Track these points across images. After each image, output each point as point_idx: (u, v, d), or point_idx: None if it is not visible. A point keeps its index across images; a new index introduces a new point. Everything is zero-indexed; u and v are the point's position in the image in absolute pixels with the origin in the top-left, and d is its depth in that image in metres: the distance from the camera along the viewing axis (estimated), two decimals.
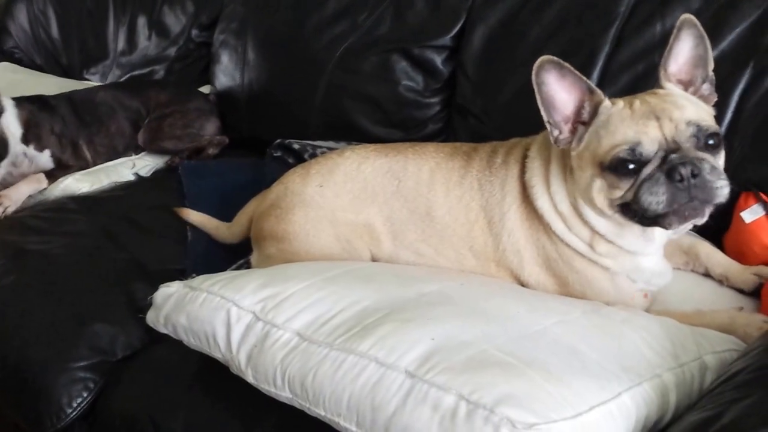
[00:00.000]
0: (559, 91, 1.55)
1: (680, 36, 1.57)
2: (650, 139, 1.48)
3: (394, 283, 1.54)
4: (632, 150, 1.49)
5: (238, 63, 3.10)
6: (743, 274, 1.89)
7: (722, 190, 1.50)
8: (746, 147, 1.94)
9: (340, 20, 2.88)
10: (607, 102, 1.58)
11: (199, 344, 1.47)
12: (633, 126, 1.51)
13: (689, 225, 1.61)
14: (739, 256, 1.98)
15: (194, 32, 3.59)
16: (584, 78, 1.55)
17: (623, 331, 1.52)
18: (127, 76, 3.81)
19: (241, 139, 3.13)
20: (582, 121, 1.64)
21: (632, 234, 1.69)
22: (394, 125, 2.78)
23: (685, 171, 1.47)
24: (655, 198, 1.52)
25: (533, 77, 1.56)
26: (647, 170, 1.52)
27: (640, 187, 1.53)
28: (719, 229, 2.05)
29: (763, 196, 1.95)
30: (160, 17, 3.73)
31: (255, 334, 1.36)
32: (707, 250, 1.95)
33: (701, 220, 1.58)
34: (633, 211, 1.52)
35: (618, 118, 1.54)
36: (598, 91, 1.57)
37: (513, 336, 1.35)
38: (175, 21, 3.68)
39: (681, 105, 1.52)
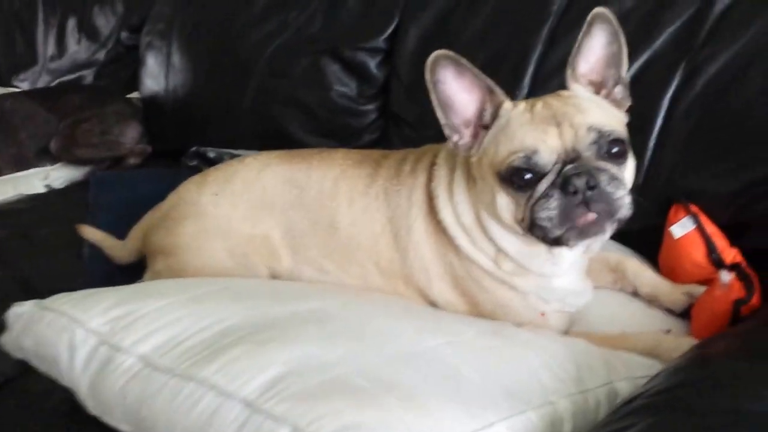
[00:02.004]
0: (457, 90, 1.50)
1: (591, 32, 1.51)
2: (548, 147, 1.44)
3: (268, 301, 1.48)
4: (528, 158, 1.44)
5: (162, 66, 3.06)
6: (673, 293, 1.84)
7: (622, 201, 1.44)
8: (677, 155, 1.91)
9: (269, 18, 2.85)
10: (508, 103, 1.54)
11: (47, 370, 1.40)
12: (531, 132, 1.46)
13: (594, 242, 1.54)
14: (671, 273, 1.93)
15: (123, 34, 3.54)
16: (484, 76, 1.50)
17: (521, 354, 1.46)
18: (56, 82, 3.74)
19: (168, 149, 3.05)
20: (484, 124, 1.59)
21: (539, 254, 1.64)
22: (328, 134, 2.74)
23: (579, 182, 1.41)
24: (547, 213, 1.46)
25: (427, 74, 1.48)
26: (544, 183, 1.45)
27: (535, 202, 1.47)
28: (655, 244, 2.00)
29: (694, 209, 1.89)
30: (90, 19, 3.68)
31: (98, 359, 1.30)
32: (635, 267, 1.90)
33: (603, 236, 1.53)
34: (536, 229, 1.45)
35: (517, 122, 1.49)
36: (499, 91, 1.52)
37: (385, 358, 1.29)
38: (104, 23, 3.64)
39: (584, 108, 1.48)
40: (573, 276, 1.68)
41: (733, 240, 1.86)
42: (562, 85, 1.62)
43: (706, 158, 1.88)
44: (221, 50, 2.89)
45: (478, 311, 1.72)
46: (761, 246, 1.82)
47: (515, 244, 1.61)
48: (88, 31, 3.65)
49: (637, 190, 1.90)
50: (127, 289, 1.51)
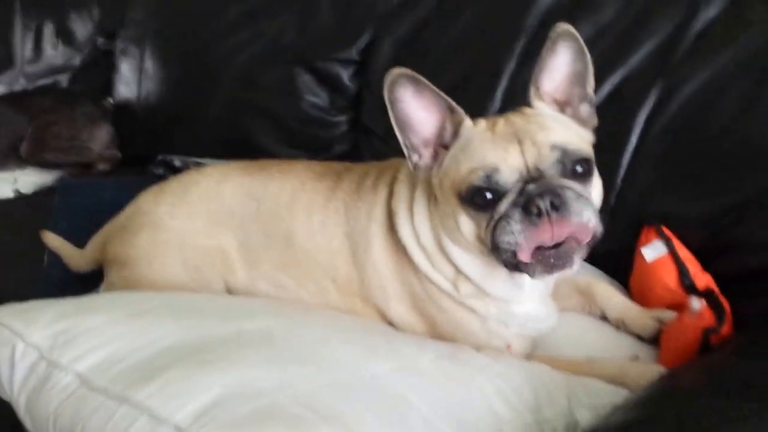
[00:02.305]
0: (416, 109, 1.43)
1: (555, 49, 1.44)
2: (509, 165, 1.36)
3: (213, 319, 1.39)
4: (488, 177, 1.36)
5: (135, 72, 2.99)
6: (642, 318, 1.75)
7: (589, 223, 1.34)
8: (650, 176, 1.84)
9: (242, 26, 2.78)
10: (468, 122, 1.46)
11: None
12: (492, 150, 1.38)
13: (562, 273, 1.45)
14: (642, 297, 1.85)
15: (99, 40, 3.46)
16: (444, 95, 1.43)
17: (476, 381, 1.39)
18: (32, 86, 3.65)
19: (139, 156, 2.97)
20: (444, 144, 1.50)
21: (500, 279, 1.56)
22: (298, 145, 2.67)
23: (543, 203, 1.32)
24: (510, 237, 1.35)
25: (385, 93, 1.40)
26: (504, 204, 1.36)
27: (496, 224, 1.38)
28: (626, 267, 1.92)
29: (666, 231, 1.82)
30: (67, 24, 3.59)
31: (37, 376, 1.22)
32: (604, 291, 1.82)
33: (571, 268, 1.41)
34: (498, 252, 1.37)
35: (478, 140, 1.42)
36: (459, 110, 1.45)
37: (326, 384, 1.20)
38: (81, 28, 3.55)
39: (548, 127, 1.40)
40: (536, 301, 1.59)
41: (706, 265, 1.78)
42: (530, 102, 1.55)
43: (679, 180, 1.81)
44: (193, 58, 2.83)
45: (437, 333, 1.64)
46: (734, 272, 1.74)
47: (476, 266, 1.54)
48: (64, 35, 3.56)
49: (608, 211, 1.86)
50: (73, 301, 1.41)
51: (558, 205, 1.32)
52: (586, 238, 1.39)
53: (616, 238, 1.89)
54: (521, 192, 1.36)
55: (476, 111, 2.19)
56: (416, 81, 1.41)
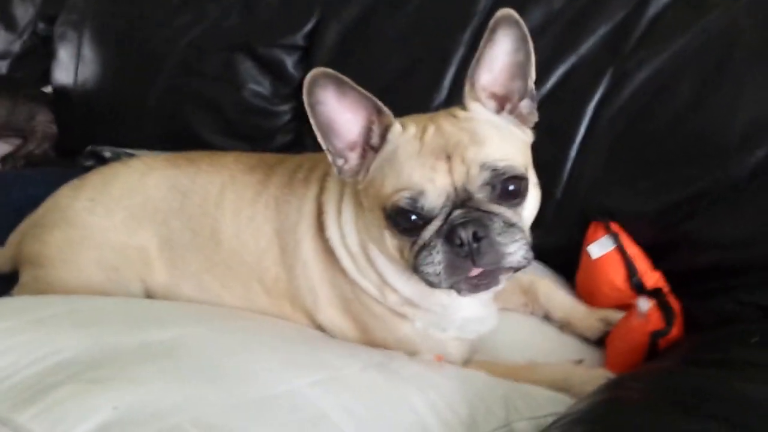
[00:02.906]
0: (339, 112, 1.30)
1: (495, 38, 1.30)
2: (436, 188, 1.25)
3: (117, 328, 1.25)
4: (414, 201, 1.25)
5: (73, 58, 2.82)
6: (587, 319, 1.66)
7: (515, 255, 1.25)
8: (598, 169, 1.76)
9: (183, 11, 2.60)
10: (397, 127, 1.32)
11: None
12: (419, 168, 1.26)
13: (487, 293, 1.37)
14: (589, 296, 1.75)
15: (40, 25, 3.26)
16: (370, 95, 1.30)
17: (406, 393, 1.27)
18: None
19: (76, 146, 2.78)
20: (372, 146, 1.35)
21: (430, 293, 1.42)
22: (239, 136, 2.51)
23: (465, 234, 1.22)
24: (432, 268, 1.26)
25: (305, 96, 1.28)
26: (429, 230, 1.26)
27: (419, 251, 1.27)
28: (573, 263, 1.81)
29: (614, 227, 1.70)
30: (9, 8, 3.39)
31: None
32: (548, 289, 1.72)
33: (497, 287, 1.33)
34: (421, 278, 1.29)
35: (405, 153, 1.29)
36: (387, 112, 1.32)
37: (236, 403, 1.07)
38: (23, 12, 3.36)
39: (481, 138, 1.28)
40: (474, 305, 1.48)
41: (656, 262, 1.69)
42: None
43: (629, 173, 1.71)
44: (132, 43, 2.66)
45: (369, 338, 1.51)
46: (685, 270, 1.64)
47: (402, 280, 1.43)
48: (6, 20, 3.37)
49: (555, 205, 1.73)
50: None
51: (481, 237, 1.22)
52: (512, 269, 1.29)
53: (562, 233, 1.80)
54: (446, 218, 1.25)
55: (423, 98, 2.13)
56: (338, 81, 1.27)
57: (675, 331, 1.49)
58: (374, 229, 1.38)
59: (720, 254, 1.57)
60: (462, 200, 1.24)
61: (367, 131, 1.34)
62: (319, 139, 1.33)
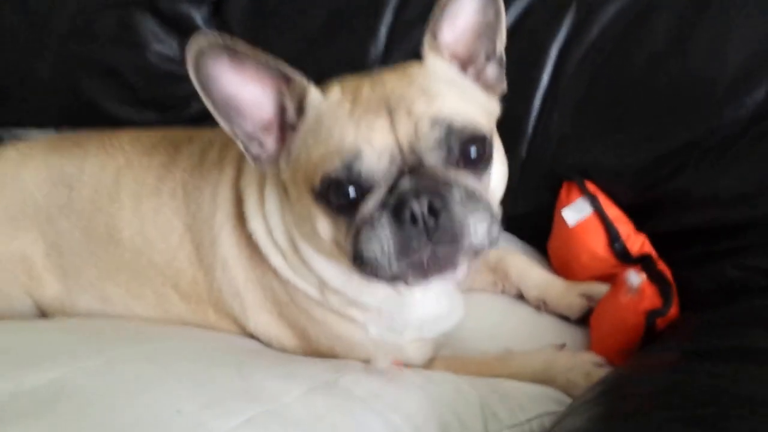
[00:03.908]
0: (239, 86, 1.06)
1: None
2: (375, 147, 1.02)
3: None
4: (347, 166, 1.02)
5: None
6: (566, 296, 1.45)
7: (479, 230, 1.01)
8: (567, 122, 1.53)
9: None
10: (315, 93, 1.09)
11: None
12: (352, 126, 1.03)
13: (442, 281, 1.11)
14: (565, 268, 1.54)
15: None
16: (275, 61, 1.06)
17: (362, 419, 1.06)
18: None
19: None
20: (290, 124, 1.11)
21: (376, 290, 1.19)
22: (147, 105, 2.20)
23: (417, 207, 0.98)
24: (377, 249, 1.01)
25: (191, 73, 1.02)
26: (370, 204, 1.03)
27: (358, 231, 1.03)
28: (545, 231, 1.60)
29: (590, 187, 1.47)
30: None
31: None
32: (519, 265, 1.50)
33: (457, 273, 1.08)
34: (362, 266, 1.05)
35: (332, 116, 1.06)
36: (299, 78, 1.08)
37: None
38: None
39: (434, 92, 1.06)
40: (432, 300, 1.27)
41: (640, 226, 1.47)
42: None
43: (604, 125, 1.49)
44: (15, 6, 2.26)
45: (312, 348, 1.28)
46: (675, 233, 1.42)
47: (342, 277, 1.18)
48: None
49: (519, 166, 1.49)
50: None
51: (438, 210, 0.99)
52: (476, 250, 1.03)
53: (530, 198, 1.60)
54: (393, 188, 1.01)
55: (356, 57, 1.83)
56: (230, 49, 1.02)
57: (674, 309, 1.25)
58: (305, 223, 1.13)
59: (715, 212, 1.36)
60: (411, 166, 1.02)
61: (281, 105, 1.10)
62: (221, 123, 1.08)
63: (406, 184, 1.00)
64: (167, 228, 1.31)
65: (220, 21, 2.12)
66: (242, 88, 1.06)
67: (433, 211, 0.98)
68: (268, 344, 1.30)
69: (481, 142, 1.05)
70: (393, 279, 1.04)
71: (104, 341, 1.17)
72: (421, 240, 0.99)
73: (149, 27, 2.16)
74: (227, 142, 1.33)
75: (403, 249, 1.00)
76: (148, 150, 1.39)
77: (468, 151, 1.04)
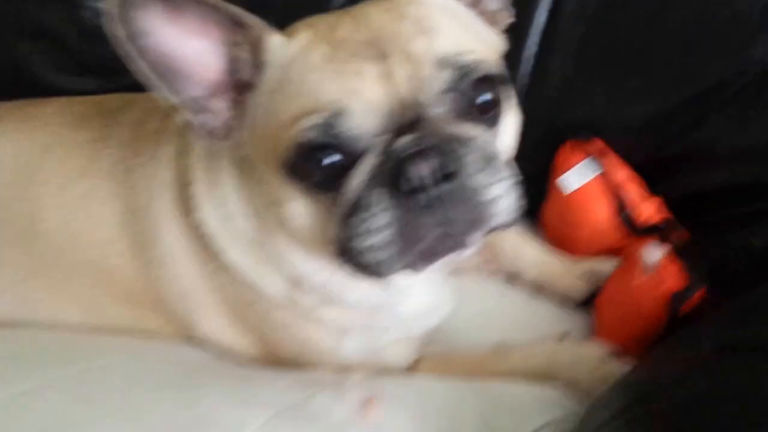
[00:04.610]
0: (178, 40, 0.87)
1: None
2: (366, 102, 0.83)
3: None
4: (329, 126, 0.83)
5: None
6: (567, 275, 1.30)
7: (503, 203, 0.84)
8: (568, 65, 1.35)
9: None
10: (276, 38, 0.90)
11: None
12: (332, 77, 0.85)
13: (450, 259, 0.91)
14: (563, 243, 1.37)
15: None
16: (222, 2, 0.86)
17: None
18: None
19: None
20: (245, 83, 0.92)
21: (361, 285, 1.01)
22: (85, 70, 1.97)
23: (423, 169, 0.79)
24: (374, 237, 0.82)
25: (116, 29, 0.83)
26: (360, 174, 0.83)
27: (347, 214, 0.84)
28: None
29: (597, 144, 1.33)
30: None
31: None
32: (513, 242, 1.33)
33: (464, 250, 0.88)
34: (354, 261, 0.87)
35: (302, 64, 0.87)
36: (255, 22, 0.89)
37: None
38: None
39: (433, 25, 0.88)
40: (424, 290, 1.10)
41: (652, 187, 1.30)
42: None
43: (611, 70, 1.32)
44: None
45: (274, 356, 1.11)
46: (694, 192, 1.26)
47: (321, 271, 1.00)
48: None
49: None
50: None
51: (451, 174, 0.80)
52: (495, 224, 0.85)
53: (526, 159, 1.34)
54: (387, 152, 0.82)
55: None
56: None
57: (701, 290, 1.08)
58: (272, 208, 0.94)
59: (743, 170, 1.20)
60: (409, 122, 0.83)
61: (233, 61, 0.91)
62: (159, 90, 0.88)
63: (405, 142, 0.81)
64: (99, 217, 1.12)
65: None
66: (182, 43, 0.87)
67: (444, 175, 0.80)
68: (223, 351, 1.12)
69: (494, 84, 0.88)
70: (392, 272, 0.86)
71: (21, 363, 0.97)
72: (432, 216, 0.81)
73: None
74: (168, 111, 1.11)
75: (409, 232, 0.81)
76: (78, 122, 1.19)
77: (479, 96, 0.87)
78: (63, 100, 1.28)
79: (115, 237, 1.12)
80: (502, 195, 0.83)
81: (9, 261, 1.16)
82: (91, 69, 2.01)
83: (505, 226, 0.86)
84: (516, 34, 1.35)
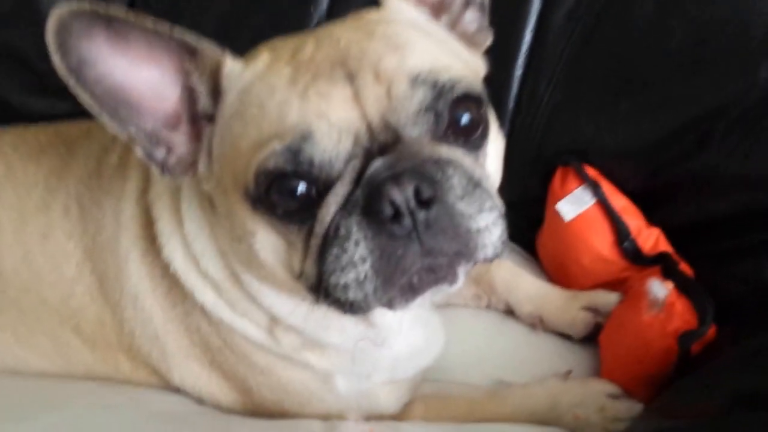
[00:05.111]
0: (127, 69, 0.81)
1: None
2: (334, 124, 0.77)
3: None
4: (294, 152, 0.76)
5: None
6: (567, 309, 1.22)
7: (489, 235, 0.77)
8: (556, 91, 1.29)
9: None
10: (232, 64, 0.85)
11: None
12: (295, 99, 0.78)
13: (436, 294, 0.83)
14: (561, 274, 1.30)
15: None
16: (167, 29, 0.80)
17: None
18: None
19: None
20: (204, 111, 0.86)
21: (341, 324, 0.95)
22: (58, 92, 1.85)
23: (399, 195, 0.73)
24: (350, 273, 0.76)
25: (56, 59, 0.77)
26: (331, 203, 0.77)
27: (320, 247, 0.77)
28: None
29: (590, 172, 1.25)
30: None
31: None
32: (507, 274, 1.26)
33: (453, 284, 0.80)
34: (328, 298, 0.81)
35: (263, 88, 0.82)
36: (208, 47, 0.83)
37: None
38: None
39: (404, 41, 0.83)
40: (411, 330, 1.02)
41: (650, 215, 1.23)
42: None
43: (604, 93, 1.25)
44: None
45: (255, 403, 1.03)
46: (695, 220, 1.18)
47: (297, 311, 0.91)
48: None
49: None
50: None
51: (430, 198, 0.74)
52: (482, 256, 0.78)
53: (513, 186, 1.28)
54: (359, 177, 0.75)
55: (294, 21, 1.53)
56: (107, 19, 0.78)
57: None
58: (239, 244, 0.86)
59: (747, 198, 1.12)
60: (383, 144, 0.77)
61: (188, 90, 0.85)
62: (109, 125, 0.82)
63: (378, 166, 0.75)
64: (60, 255, 1.05)
65: None
66: (131, 73, 0.81)
67: (422, 200, 0.74)
68: (198, 399, 1.04)
69: (476, 104, 0.82)
70: (372, 307, 0.78)
71: None
72: (412, 247, 0.74)
73: (50, 1, 1.83)
74: None
75: (388, 264, 0.75)
76: (35, 153, 1.12)
77: (459, 118, 0.81)
78: (20, 129, 1.20)
79: (78, 277, 1.05)
80: (489, 225, 0.76)
81: None
82: (58, 91, 1.93)
83: (492, 258, 0.79)
84: (500, 56, 1.29)
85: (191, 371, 1.03)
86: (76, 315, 1.05)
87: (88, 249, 1.04)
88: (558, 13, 1.30)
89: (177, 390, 1.05)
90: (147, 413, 0.96)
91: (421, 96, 0.78)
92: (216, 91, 0.84)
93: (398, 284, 0.77)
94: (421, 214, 0.73)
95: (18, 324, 1.08)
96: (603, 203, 1.21)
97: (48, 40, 0.76)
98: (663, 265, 1.14)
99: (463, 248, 0.76)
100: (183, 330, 1.01)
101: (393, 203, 0.73)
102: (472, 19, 0.92)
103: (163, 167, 0.86)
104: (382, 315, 0.94)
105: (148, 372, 1.05)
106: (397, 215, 0.73)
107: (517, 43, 1.32)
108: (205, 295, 0.96)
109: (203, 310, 0.98)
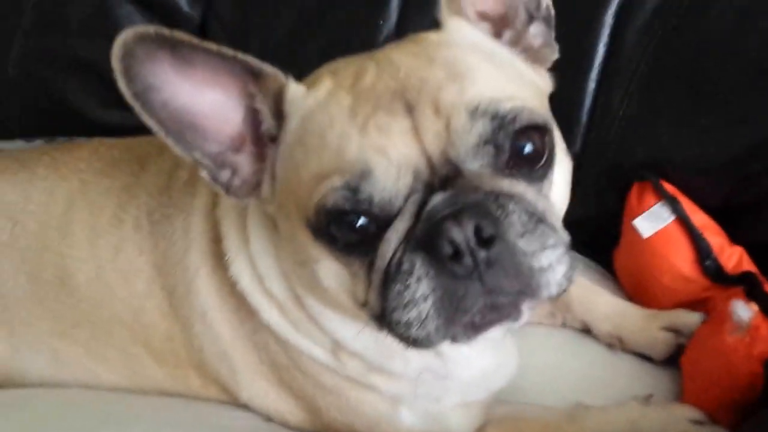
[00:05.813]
0: (192, 93, 0.81)
1: None
2: (393, 161, 0.76)
3: None
4: (353, 190, 0.76)
5: None
6: (647, 329, 1.17)
7: (553, 273, 0.75)
8: (631, 104, 1.26)
9: None
10: (295, 88, 0.84)
11: None
12: (355, 133, 0.78)
13: (500, 329, 0.81)
14: (640, 292, 1.25)
15: None
16: (232, 52, 0.80)
17: None
18: None
19: None
20: (268, 133, 0.86)
21: (403, 351, 0.90)
22: (126, 104, 1.90)
23: (459, 234, 0.72)
24: (411, 309, 0.74)
25: (122, 85, 0.77)
26: (392, 238, 0.76)
27: (384, 281, 0.77)
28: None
29: (668, 188, 1.20)
30: None
31: None
32: (583, 292, 1.21)
33: (516, 320, 0.79)
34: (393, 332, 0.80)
35: (324, 116, 0.81)
36: (271, 70, 0.83)
37: None
38: None
39: (464, 69, 0.81)
40: (480, 355, 0.99)
41: (733, 234, 1.19)
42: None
43: (681, 106, 1.22)
44: None
45: (323, 423, 1.02)
46: None
47: (360, 337, 0.90)
48: None
49: (573, 163, 1.18)
50: None
51: (492, 237, 0.72)
52: (546, 294, 0.76)
53: (590, 203, 1.31)
54: (419, 213, 0.74)
55: (361, 36, 1.54)
56: (172, 44, 0.77)
57: None
58: (302, 268, 0.86)
59: None
60: (443, 179, 0.76)
61: (252, 112, 0.85)
62: (175, 148, 0.82)
63: (438, 202, 0.74)
64: (131, 270, 1.05)
65: (206, 4, 1.90)
66: (196, 96, 0.81)
67: (482, 239, 0.72)
68: (267, 417, 1.04)
69: (540, 134, 0.80)
70: (436, 344, 0.77)
71: (53, 428, 0.88)
72: (473, 285, 0.73)
73: (126, 14, 1.97)
74: None
75: (450, 304, 0.74)
76: (108, 168, 1.13)
77: (522, 147, 0.78)
78: (93, 145, 1.21)
79: (148, 292, 1.05)
80: (552, 263, 0.74)
81: (42, 316, 1.10)
82: None
83: (557, 296, 0.76)
84: (572, 70, 1.27)
85: (259, 389, 1.02)
86: (146, 330, 1.05)
87: (158, 264, 1.04)
88: (632, 27, 1.27)
89: (245, 407, 1.04)
90: (214, 429, 0.96)
91: (480, 128, 0.76)
92: (279, 114, 0.84)
93: (461, 322, 0.75)
94: (482, 253, 0.72)
95: (90, 338, 1.08)
96: (683, 220, 1.17)
97: (113, 66, 0.76)
98: (747, 285, 1.09)
99: (526, 287, 0.74)
100: (251, 347, 1.01)
101: (453, 242, 0.71)
102: (537, 33, 0.90)
103: (228, 189, 0.86)
104: (448, 346, 0.92)
105: (218, 389, 1.05)
106: (457, 254, 0.71)
107: (590, 57, 1.30)
108: (271, 315, 0.96)
109: (270, 329, 0.97)
